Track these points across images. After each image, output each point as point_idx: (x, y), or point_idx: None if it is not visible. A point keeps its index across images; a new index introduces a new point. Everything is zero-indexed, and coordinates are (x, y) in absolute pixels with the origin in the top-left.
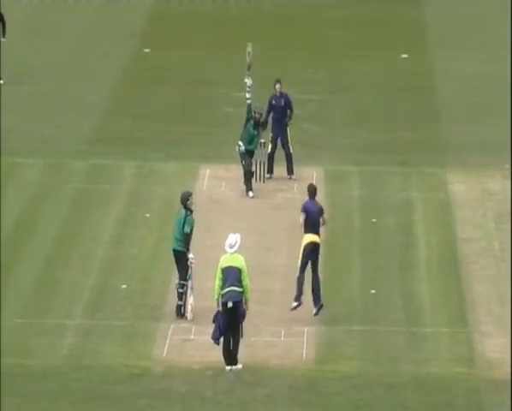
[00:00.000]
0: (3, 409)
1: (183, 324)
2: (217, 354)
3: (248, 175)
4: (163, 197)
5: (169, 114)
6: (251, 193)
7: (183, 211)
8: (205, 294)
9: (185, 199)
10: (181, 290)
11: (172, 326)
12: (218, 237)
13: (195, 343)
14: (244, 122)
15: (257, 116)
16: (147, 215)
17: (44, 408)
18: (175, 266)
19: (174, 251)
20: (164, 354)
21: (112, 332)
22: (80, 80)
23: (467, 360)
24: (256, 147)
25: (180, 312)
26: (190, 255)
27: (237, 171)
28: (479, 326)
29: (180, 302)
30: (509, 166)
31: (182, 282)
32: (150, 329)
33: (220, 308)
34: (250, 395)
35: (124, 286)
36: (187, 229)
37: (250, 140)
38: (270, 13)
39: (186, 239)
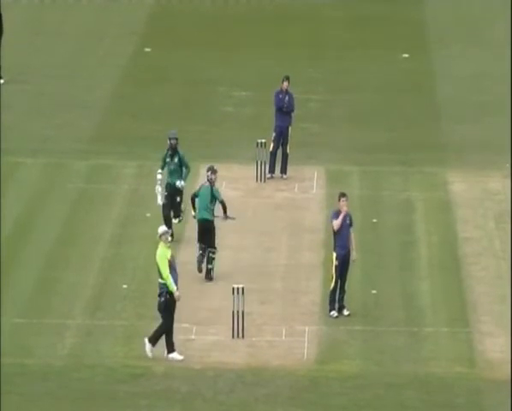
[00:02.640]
0: (4, 409)
1: (184, 325)
2: (217, 354)
3: (168, 223)
4: None
5: (169, 113)
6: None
7: (207, 184)
8: (206, 295)
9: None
10: (213, 256)
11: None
12: (219, 237)
13: (196, 343)
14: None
15: (172, 142)
16: (148, 215)
17: (44, 407)
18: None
19: (204, 221)
20: (165, 354)
21: (113, 332)
22: (80, 80)
23: (468, 359)
24: (185, 179)
25: (209, 276)
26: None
27: (238, 171)
28: (479, 326)
29: (210, 266)
30: (509, 165)
31: (213, 249)
32: (151, 329)
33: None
34: (251, 395)
35: (125, 286)
36: (222, 198)
37: (172, 172)
38: (270, 12)
39: (224, 206)
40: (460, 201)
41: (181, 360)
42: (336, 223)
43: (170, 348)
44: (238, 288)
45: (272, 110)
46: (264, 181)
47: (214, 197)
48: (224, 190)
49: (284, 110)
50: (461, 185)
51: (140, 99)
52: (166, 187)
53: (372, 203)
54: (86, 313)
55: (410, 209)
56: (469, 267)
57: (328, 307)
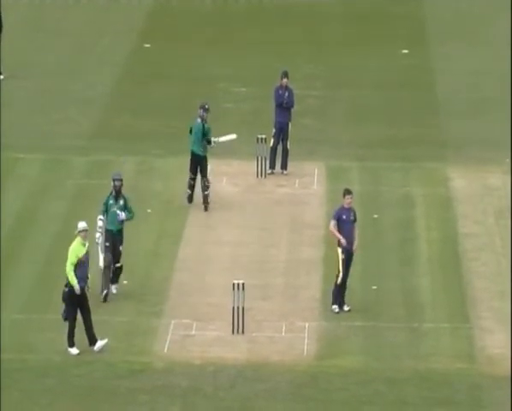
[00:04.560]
0: (4, 404)
1: (184, 320)
2: (218, 349)
3: (107, 272)
4: (164, 193)
5: (169, 109)
6: (114, 290)
7: (199, 120)
8: (206, 290)
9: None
10: (207, 183)
11: (173, 322)
12: (219, 233)
13: (196, 339)
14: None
15: (116, 184)
16: (149, 210)
17: (44, 403)
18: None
19: (196, 155)
20: (165, 350)
21: (113, 328)
22: (80, 76)
23: (468, 355)
24: (129, 218)
25: (206, 202)
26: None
27: (238, 167)
28: (479, 322)
29: (206, 192)
30: (509, 161)
31: (206, 179)
32: (151, 324)
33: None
34: (251, 390)
35: (125, 282)
36: (209, 137)
37: (114, 218)
38: (269, 8)
39: (209, 142)
40: (460, 197)
41: (106, 344)
42: (331, 225)
43: (92, 341)
44: (238, 284)
45: (272, 105)
46: (265, 176)
47: (204, 134)
48: (225, 186)
49: (284, 106)
50: (461, 181)
51: (140, 96)
52: (107, 235)
53: (372, 199)
54: None
55: (410, 205)
56: (469, 263)
57: (331, 300)
